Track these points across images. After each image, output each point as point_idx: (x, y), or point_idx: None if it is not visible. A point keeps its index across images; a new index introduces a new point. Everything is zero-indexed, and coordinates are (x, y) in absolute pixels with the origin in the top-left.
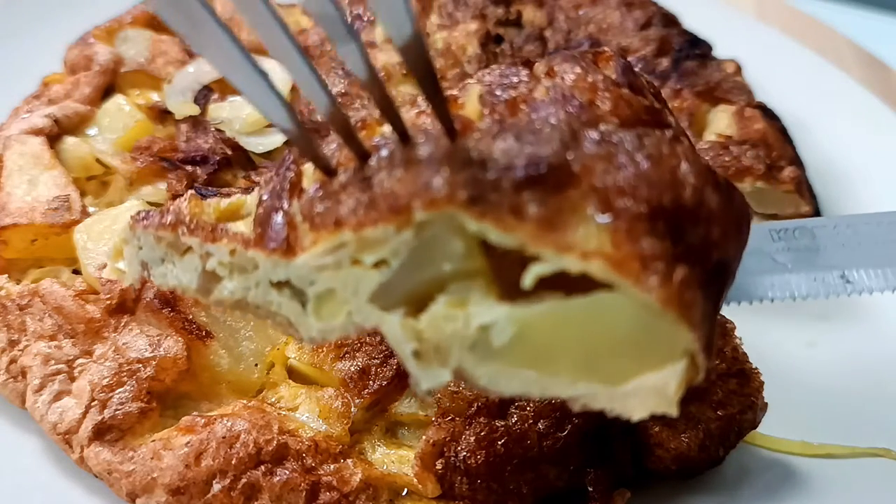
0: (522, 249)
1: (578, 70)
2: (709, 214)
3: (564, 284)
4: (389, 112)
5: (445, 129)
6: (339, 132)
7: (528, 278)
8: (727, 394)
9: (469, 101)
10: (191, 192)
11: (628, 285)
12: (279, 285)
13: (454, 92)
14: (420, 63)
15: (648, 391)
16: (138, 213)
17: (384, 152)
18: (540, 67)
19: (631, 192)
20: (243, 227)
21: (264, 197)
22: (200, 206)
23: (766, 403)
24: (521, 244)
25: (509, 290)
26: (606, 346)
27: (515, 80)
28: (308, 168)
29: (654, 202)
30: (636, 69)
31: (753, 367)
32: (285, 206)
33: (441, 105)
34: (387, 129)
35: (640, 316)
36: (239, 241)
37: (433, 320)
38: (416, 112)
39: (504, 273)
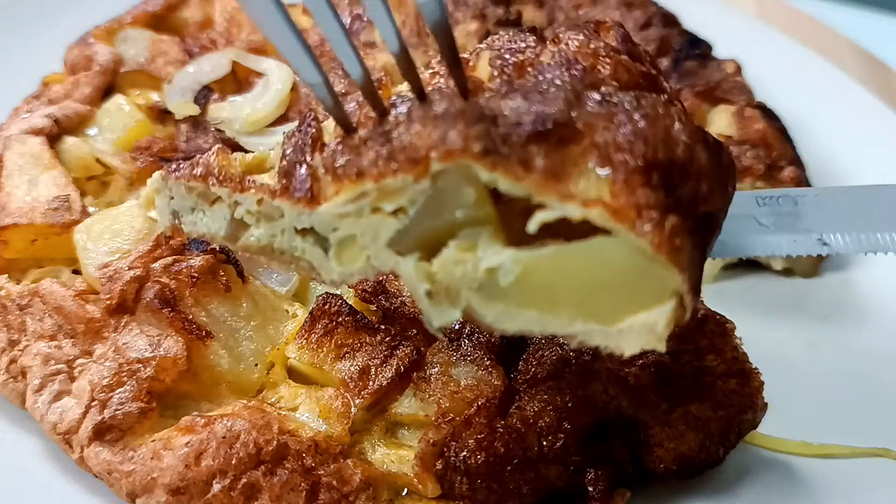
0: (529, 198)
1: (581, 37)
2: (699, 170)
3: (565, 233)
4: (409, 70)
5: (459, 87)
6: (362, 88)
7: (533, 224)
8: (727, 394)
9: (480, 64)
10: (218, 146)
11: (624, 231)
12: (303, 232)
13: (466, 55)
14: (440, 23)
15: (640, 329)
16: (170, 163)
17: (402, 109)
18: (546, 33)
19: (629, 147)
20: (268, 179)
21: (287, 151)
22: (227, 160)
23: (766, 403)
24: (528, 193)
25: (514, 238)
26: (602, 288)
27: (523, 45)
28: (328, 125)
29: (649, 157)
30: None
31: (753, 367)
32: (308, 159)
33: (457, 65)
34: (403, 87)
35: (634, 259)
36: (266, 191)
37: (445, 264)
38: (431, 73)
39: (510, 223)
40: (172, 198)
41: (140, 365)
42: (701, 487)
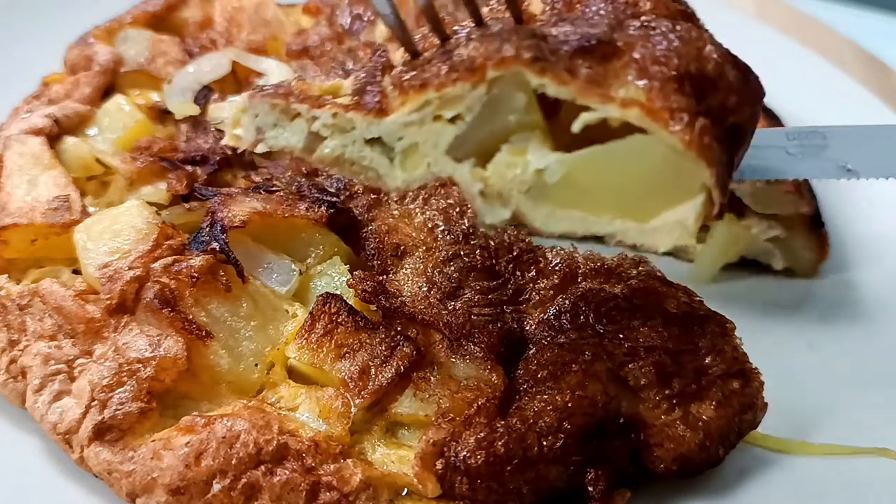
0: (573, 100)
1: None
2: (728, 85)
3: (605, 140)
4: (472, 7)
5: (514, 17)
6: (428, 18)
7: (577, 125)
8: (727, 394)
9: (533, 1)
10: (297, 74)
11: (658, 128)
12: (371, 142)
13: None
14: None
15: (672, 225)
16: (256, 86)
17: (463, 32)
18: None
19: (664, 61)
20: (342, 100)
21: (360, 76)
22: (307, 84)
23: (766, 403)
24: (572, 96)
25: (560, 146)
26: (638, 185)
27: None
28: (396, 55)
29: (682, 69)
30: None
31: (753, 367)
32: (378, 79)
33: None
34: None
35: (667, 156)
36: (340, 107)
37: (497, 167)
38: (488, 9)
39: (556, 133)
40: (257, 115)
41: (140, 365)
42: (701, 487)
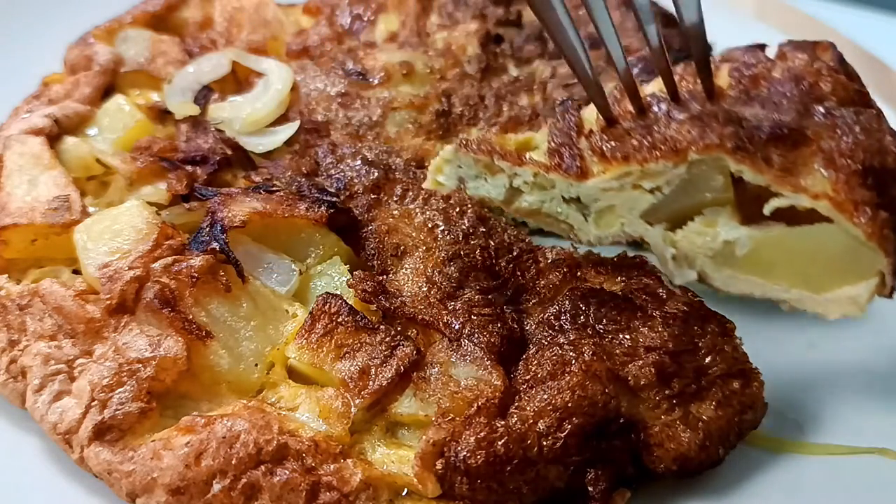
0: (767, 186)
1: (805, 56)
2: None
3: (785, 216)
4: (668, 78)
5: (707, 91)
6: (626, 88)
7: (768, 208)
8: (728, 394)
9: (721, 74)
10: (496, 127)
11: (844, 220)
12: (568, 200)
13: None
14: (698, 40)
15: (845, 299)
16: (461, 139)
17: (662, 106)
18: (771, 51)
19: (850, 153)
20: (538, 156)
21: (554, 135)
22: (504, 139)
23: (767, 404)
24: (767, 183)
25: (745, 216)
26: (818, 263)
27: (754, 60)
28: (587, 115)
29: (866, 163)
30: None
31: (754, 367)
32: (575, 142)
33: (708, 71)
34: (652, 88)
35: (849, 243)
36: (541, 166)
37: (688, 234)
38: (678, 78)
39: (740, 201)
40: (461, 167)
41: (140, 365)
42: (701, 487)
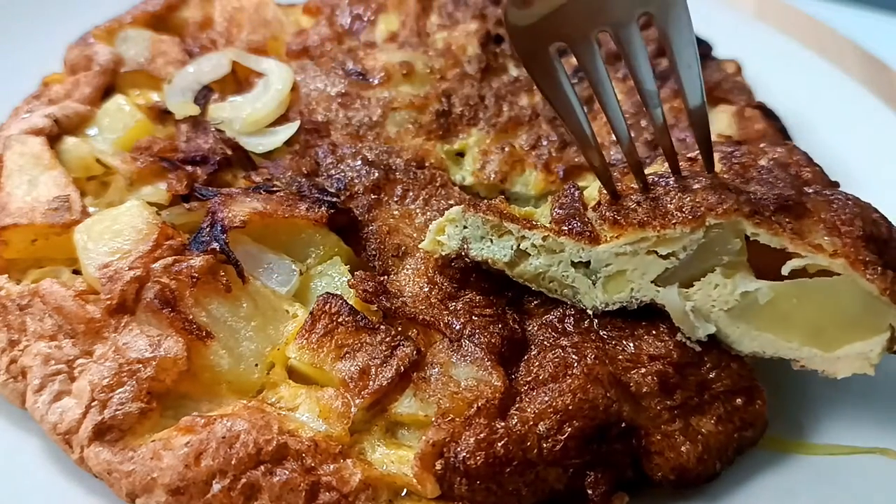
0: (783, 248)
1: (784, 150)
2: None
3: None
4: (671, 156)
5: (708, 169)
6: (632, 166)
7: (787, 269)
8: (729, 410)
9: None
10: (501, 196)
11: (858, 277)
12: (577, 264)
13: (693, 154)
14: (701, 125)
15: (855, 357)
16: (469, 201)
17: (670, 181)
18: (752, 149)
19: (850, 223)
20: (545, 221)
21: (556, 210)
22: (508, 206)
23: (767, 421)
24: (783, 245)
25: (757, 272)
26: (830, 319)
27: (739, 153)
28: (589, 193)
29: (867, 231)
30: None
31: (759, 385)
32: (581, 213)
33: (709, 153)
34: (656, 168)
35: (861, 298)
36: (551, 230)
37: (704, 286)
38: (685, 161)
39: (753, 267)
40: (466, 227)
41: (140, 365)
42: (700, 487)
